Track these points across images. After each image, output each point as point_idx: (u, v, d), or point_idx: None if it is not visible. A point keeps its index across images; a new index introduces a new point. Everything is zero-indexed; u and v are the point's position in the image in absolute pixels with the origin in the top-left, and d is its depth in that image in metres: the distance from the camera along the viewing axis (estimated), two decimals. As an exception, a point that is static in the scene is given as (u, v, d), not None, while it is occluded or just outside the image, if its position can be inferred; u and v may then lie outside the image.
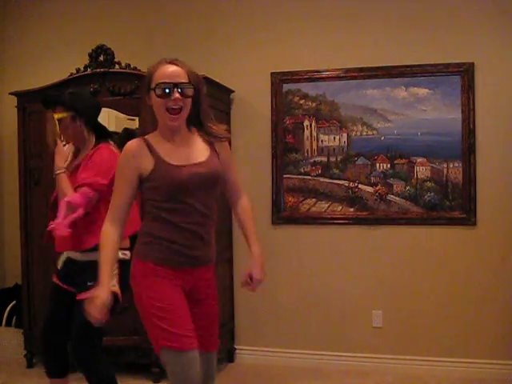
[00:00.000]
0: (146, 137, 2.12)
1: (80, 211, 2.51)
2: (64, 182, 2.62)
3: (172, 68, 2.05)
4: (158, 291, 2.06)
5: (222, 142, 2.20)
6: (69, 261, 2.69)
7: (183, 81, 2.04)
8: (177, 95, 2.01)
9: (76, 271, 2.64)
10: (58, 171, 2.65)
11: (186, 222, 2.06)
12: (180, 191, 2.04)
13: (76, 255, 2.65)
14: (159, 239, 2.07)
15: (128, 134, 3.90)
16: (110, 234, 2.07)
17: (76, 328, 2.61)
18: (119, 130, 4.02)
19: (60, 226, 2.47)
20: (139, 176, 2.07)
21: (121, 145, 3.62)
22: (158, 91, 2.02)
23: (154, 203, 2.07)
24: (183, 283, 2.10)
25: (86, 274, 2.60)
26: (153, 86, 2.04)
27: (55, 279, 2.73)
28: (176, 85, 2.02)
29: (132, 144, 2.11)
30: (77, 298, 2.60)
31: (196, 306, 2.14)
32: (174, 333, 2.00)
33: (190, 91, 2.04)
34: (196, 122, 2.15)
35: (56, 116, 2.69)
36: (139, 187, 2.09)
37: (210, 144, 2.16)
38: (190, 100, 2.06)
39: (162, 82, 2.02)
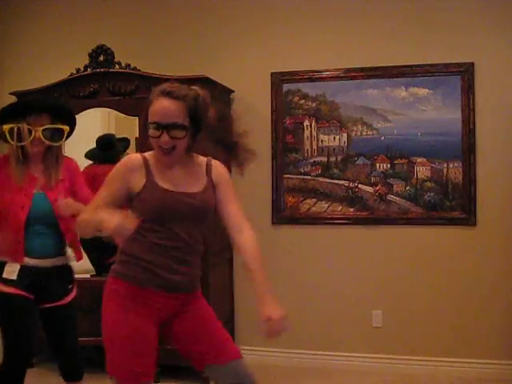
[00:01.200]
0: (146, 154, 2.05)
1: None
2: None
3: (165, 104, 1.93)
4: (122, 321, 1.98)
5: (220, 172, 2.13)
6: (30, 269, 2.49)
7: (174, 121, 1.93)
8: (165, 138, 1.93)
9: (48, 278, 2.53)
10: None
11: (169, 246, 1.99)
12: (165, 216, 1.98)
13: (53, 261, 2.55)
14: (139, 260, 1.99)
15: (108, 140, 3.89)
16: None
17: (69, 335, 2.60)
18: (118, 131, 4.04)
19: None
20: (127, 190, 2.00)
21: (102, 153, 3.61)
22: (149, 131, 1.96)
23: (139, 223, 1.96)
24: (160, 307, 2.02)
25: (62, 278, 2.58)
26: (148, 121, 1.97)
27: (14, 290, 2.44)
28: (165, 126, 1.92)
29: (131, 158, 2.05)
30: (62, 303, 2.56)
31: (180, 324, 2.08)
32: (120, 365, 1.95)
33: (180, 133, 1.94)
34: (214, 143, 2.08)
35: (66, 128, 2.53)
36: (128, 202, 2.02)
37: (208, 173, 2.10)
38: (182, 140, 1.96)
39: (152, 122, 1.94)
